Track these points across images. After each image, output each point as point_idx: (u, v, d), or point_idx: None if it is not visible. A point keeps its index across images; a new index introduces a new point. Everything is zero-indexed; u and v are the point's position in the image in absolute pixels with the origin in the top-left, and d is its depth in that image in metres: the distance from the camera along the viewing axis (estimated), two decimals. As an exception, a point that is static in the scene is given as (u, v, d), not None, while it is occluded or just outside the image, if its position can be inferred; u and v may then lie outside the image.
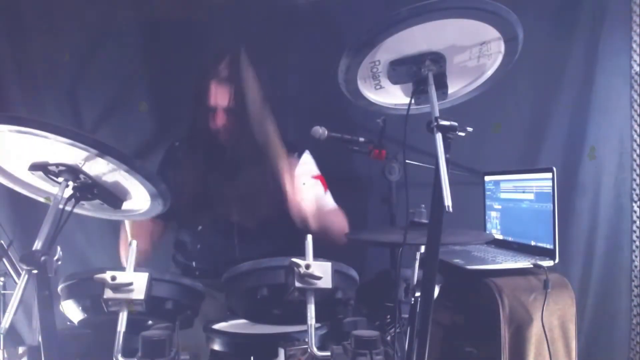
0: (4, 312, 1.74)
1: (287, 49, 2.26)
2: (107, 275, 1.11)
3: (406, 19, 1.10)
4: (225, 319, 1.51)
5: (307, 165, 1.92)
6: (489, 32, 1.17)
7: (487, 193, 2.29)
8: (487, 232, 2.24)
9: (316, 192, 1.84)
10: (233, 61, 1.75)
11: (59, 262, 1.12)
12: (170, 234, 1.97)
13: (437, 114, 1.12)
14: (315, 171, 1.92)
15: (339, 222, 1.85)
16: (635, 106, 2.44)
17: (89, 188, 1.21)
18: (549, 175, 1.90)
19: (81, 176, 1.18)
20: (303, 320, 1.14)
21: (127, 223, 1.68)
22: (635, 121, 2.44)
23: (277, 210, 1.75)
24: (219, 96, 1.75)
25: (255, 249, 1.59)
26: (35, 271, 1.07)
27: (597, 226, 2.41)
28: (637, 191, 2.44)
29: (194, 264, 1.88)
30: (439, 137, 1.10)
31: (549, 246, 1.89)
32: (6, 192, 1.92)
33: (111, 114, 2.20)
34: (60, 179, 1.18)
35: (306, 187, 1.74)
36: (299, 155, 1.91)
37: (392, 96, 1.35)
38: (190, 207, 1.81)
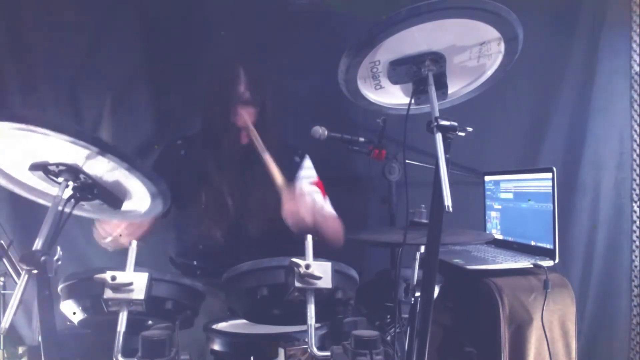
0: (4, 312, 1.73)
1: (287, 48, 2.26)
2: (107, 275, 1.10)
3: (406, 19, 1.10)
4: (225, 319, 1.51)
5: (308, 170, 1.92)
6: (489, 32, 1.17)
7: (487, 193, 2.29)
8: (487, 232, 2.24)
9: (315, 199, 1.83)
10: (252, 79, 1.79)
11: (59, 262, 1.12)
12: (169, 234, 1.96)
13: (437, 114, 1.13)
14: (315, 177, 1.93)
15: (334, 228, 1.82)
16: (635, 106, 2.44)
17: (89, 188, 1.21)
18: (549, 175, 1.90)
19: (81, 176, 1.18)
20: (303, 320, 1.14)
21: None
22: (635, 121, 2.44)
23: (269, 215, 1.75)
24: (244, 117, 1.76)
25: (261, 252, 1.59)
26: (35, 271, 1.07)
27: (597, 226, 2.41)
28: (637, 191, 2.44)
29: (195, 262, 1.88)
30: (439, 137, 1.10)
31: (549, 246, 1.89)
32: (6, 192, 1.91)
33: (111, 115, 2.20)
34: (60, 179, 1.18)
35: (304, 194, 1.73)
36: (300, 159, 1.92)
37: (392, 96, 1.35)
38: (192, 206, 1.81)
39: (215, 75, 1.88)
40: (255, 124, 1.76)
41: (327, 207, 1.90)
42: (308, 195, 1.74)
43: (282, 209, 1.66)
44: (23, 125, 1.07)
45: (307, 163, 1.94)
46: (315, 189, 1.89)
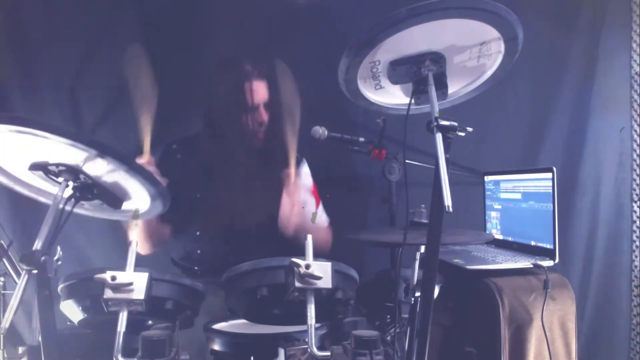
0: (4, 312, 1.73)
1: (287, 48, 2.26)
2: (107, 275, 1.10)
3: (406, 19, 1.10)
4: (225, 319, 1.51)
5: (305, 177, 1.92)
6: (489, 32, 1.17)
7: (487, 193, 2.29)
8: (487, 232, 2.24)
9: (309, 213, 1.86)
10: (261, 62, 1.78)
11: (59, 262, 1.12)
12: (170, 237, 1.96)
13: (437, 114, 1.12)
14: (311, 184, 1.92)
15: (323, 239, 1.86)
16: (635, 106, 2.44)
17: (89, 188, 1.21)
18: (549, 175, 1.90)
19: (81, 176, 1.18)
20: (303, 320, 1.14)
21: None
22: (635, 121, 2.44)
23: (268, 216, 1.76)
24: (258, 93, 1.76)
25: (247, 255, 1.59)
26: (35, 271, 1.07)
27: (597, 226, 2.42)
28: (637, 191, 2.44)
29: (195, 268, 1.87)
30: (439, 137, 1.10)
31: (549, 246, 1.89)
32: (6, 192, 1.92)
33: (111, 115, 2.20)
34: (60, 179, 1.18)
35: (304, 210, 1.76)
36: (298, 164, 1.89)
37: (392, 96, 1.35)
38: (189, 211, 1.81)
39: (226, 73, 1.85)
40: (269, 103, 1.76)
41: (320, 217, 1.91)
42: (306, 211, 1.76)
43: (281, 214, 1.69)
44: (22, 128, 1.07)
45: (305, 169, 1.92)
46: (311, 198, 1.89)
